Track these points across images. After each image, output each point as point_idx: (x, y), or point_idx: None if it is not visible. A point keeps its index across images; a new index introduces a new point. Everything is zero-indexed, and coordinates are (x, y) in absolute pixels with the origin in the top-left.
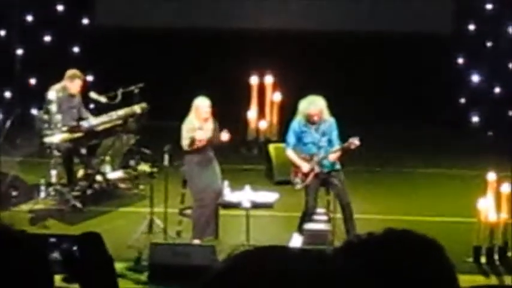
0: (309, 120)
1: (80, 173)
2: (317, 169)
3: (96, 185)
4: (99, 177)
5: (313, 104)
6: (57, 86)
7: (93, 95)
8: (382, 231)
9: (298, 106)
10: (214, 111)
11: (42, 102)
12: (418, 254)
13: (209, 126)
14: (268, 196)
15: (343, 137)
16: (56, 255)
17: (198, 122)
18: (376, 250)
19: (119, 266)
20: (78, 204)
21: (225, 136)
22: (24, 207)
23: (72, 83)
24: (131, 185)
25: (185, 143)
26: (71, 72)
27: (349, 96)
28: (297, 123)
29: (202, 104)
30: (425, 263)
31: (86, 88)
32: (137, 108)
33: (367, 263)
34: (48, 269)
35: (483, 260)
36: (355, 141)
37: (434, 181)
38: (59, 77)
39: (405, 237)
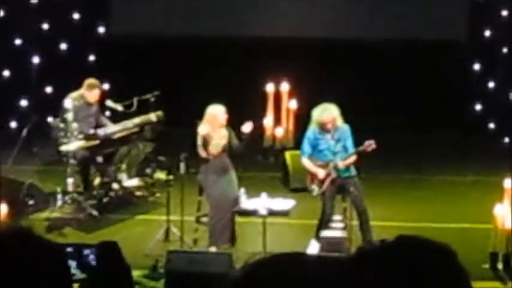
0: (323, 127)
1: (97, 181)
2: (333, 174)
3: (112, 193)
4: (115, 185)
5: (327, 112)
6: (74, 94)
7: (109, 103)
8: (394, 238)
9: (311, 115)
10: (230, 119)
11: (58, 111)
12: (429, 260)
13: (223, 133)
14: (285, 203)
15: (358, 144)
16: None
17: (212, 131)
18: (388, 257)
19: (135, 274)
20: (95, 212)
21: (247, 127)
22: (41, 215)
23: (91, 92)
24: (147, 192)
25: (201, 150)
26: (89, 81)
27: (365, 103)
28: (311, 131)
29: (220, 112)
30: (437, 269)
31: (102, 96)
32: (153, 116)
33: (379, 270)
34: (68, 274)
35: (500, 266)
36: (372, 144)
37: (450, 188)
38: (75, 85)
39: (417, 243)
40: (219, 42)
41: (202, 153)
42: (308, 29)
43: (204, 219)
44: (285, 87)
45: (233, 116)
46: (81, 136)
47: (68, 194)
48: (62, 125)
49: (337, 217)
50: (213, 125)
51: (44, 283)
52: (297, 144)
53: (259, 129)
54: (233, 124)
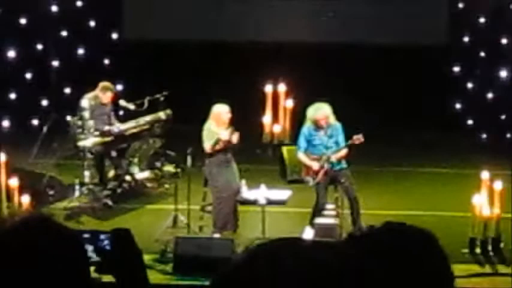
0: (317, 125)
1: (111, 173)
2: (326, 166)
3: (125, 185)
4: (128, 177)
5: (320, 110)
6: (90, 95)
7: (122, 102)
8: (381, 225)
9: (306, 113)
10: (232, 117)
11: (76, 110)
12: (414, 244)
13: (227, 130)
14: (282, 194)
15: (349, 139)
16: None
17: (218, 128)
18: (375, 242)
19: (146, 258)
20: (109, 202)
21: (235, 138)
22: (60, 205)
23: (104, 94)
24: (157, 184)
25: (207, 145)
26: (103, 84)
27: (355, 103)
28: (306, 128)
29: (223, 111)
30: (420, 252)
31: (116, 97)
32: (162, 114)
33: (367, 254)
34: (85, 257)
35: (478, 251)
36: (360, 138)
37: (432, 179)
38: (91, 86)
39: (402, 230)
40: (224, 47)
41: (211, 149)
42: (304, 34)
43: (209, 208)
44: (282, 88)
45: (235, 114)
46: (96, 133)
47: (85, 186)
48: (79, 123)
49: (329, 206)
50: (218, 122)
51: (63, 265)
52: (293, 140)
53: (258, 126)
54: (235, 121)
